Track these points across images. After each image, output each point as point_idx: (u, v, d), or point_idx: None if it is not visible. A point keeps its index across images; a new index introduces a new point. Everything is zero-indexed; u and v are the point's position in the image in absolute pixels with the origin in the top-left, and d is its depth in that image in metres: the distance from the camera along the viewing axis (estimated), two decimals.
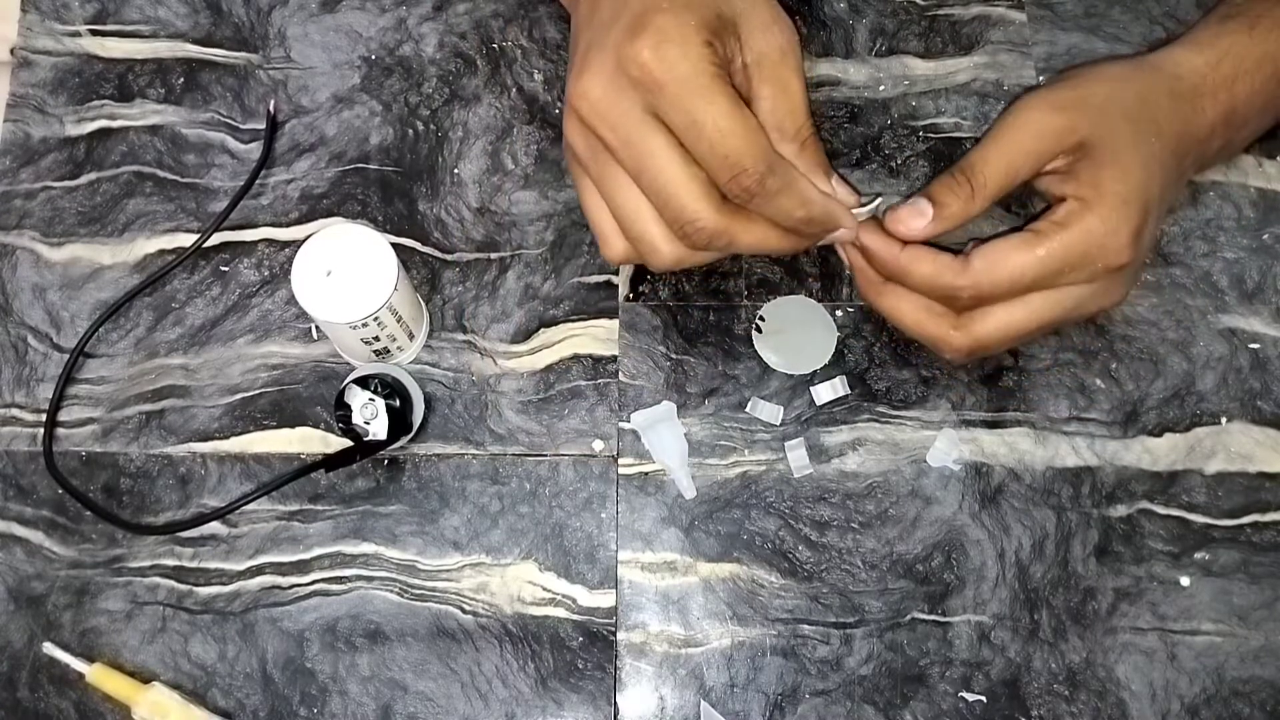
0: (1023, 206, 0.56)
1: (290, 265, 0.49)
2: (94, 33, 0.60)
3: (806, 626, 0.52)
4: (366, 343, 0.51)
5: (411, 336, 0.54)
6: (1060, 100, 0.49)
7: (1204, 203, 0.58)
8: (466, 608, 0.52)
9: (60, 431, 0.54)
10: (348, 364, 0.55)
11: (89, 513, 0.53)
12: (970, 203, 0.48)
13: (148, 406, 0.55)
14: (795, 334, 0.55)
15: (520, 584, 0.52)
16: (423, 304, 0.55)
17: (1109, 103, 0.49)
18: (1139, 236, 0.47)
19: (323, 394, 0.55)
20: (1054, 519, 0.53)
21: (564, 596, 0.52)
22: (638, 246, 0.46)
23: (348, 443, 0.50)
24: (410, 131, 0.59)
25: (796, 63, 0.45)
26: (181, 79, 0.59)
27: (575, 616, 0.52)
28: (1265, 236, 0.57)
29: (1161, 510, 0.53)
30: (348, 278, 0.49)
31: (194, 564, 0.53)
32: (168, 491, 0.54)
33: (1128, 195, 0.47)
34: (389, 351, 0.53)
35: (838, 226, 0.48)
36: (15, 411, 0.55)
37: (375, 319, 0.49)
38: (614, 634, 0.52)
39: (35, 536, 0.53)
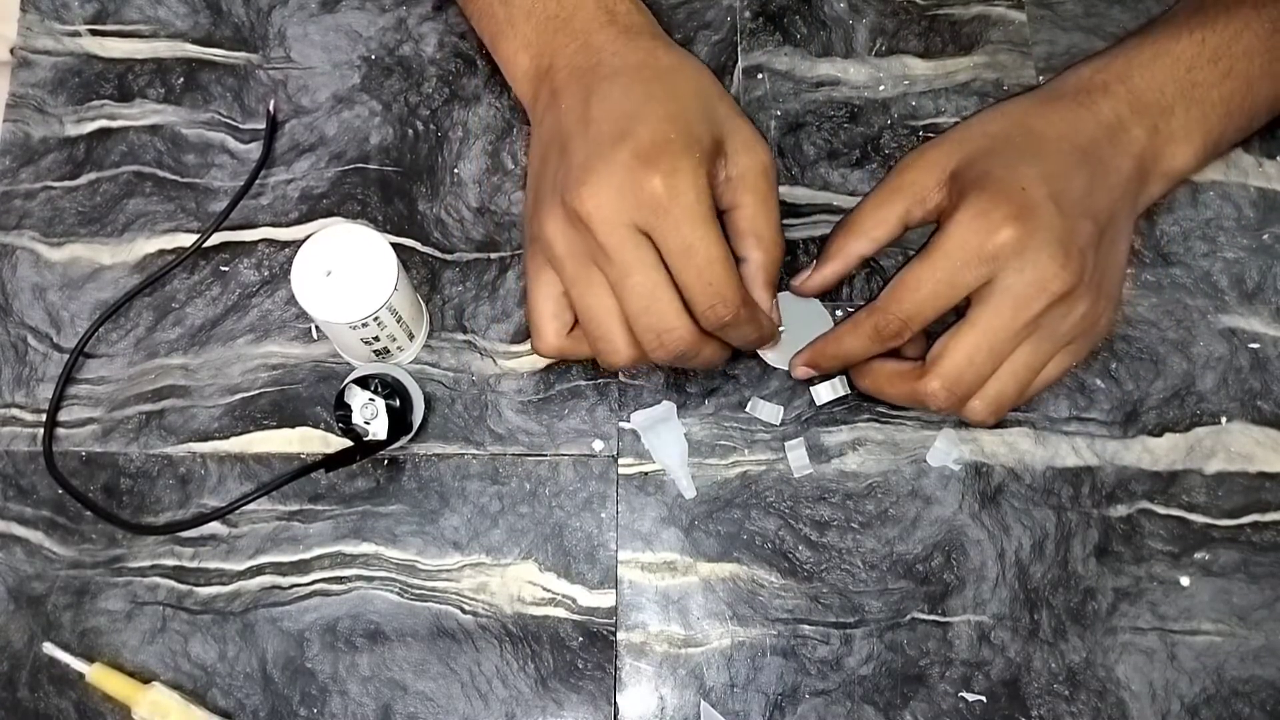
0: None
1: (290, 265, 0.49)
2: (94, 32, 0.60)
3: (806, 626, 0.52)
4: (366, 343, 0.51)
5: (411, 336, 0.54)
6: (930, 144, 0.52)
7: (1204, 203, 0.58)
8: (466, 608, 0.52)
9: (60, 431, 0.54)
10: (348, 364, 0.55)
11: (89, 513, 0.53)
12: (848, 245, 0.52)
13: (148, 406, 0.55)
14: (794, 332, 0.55)
15: (520, 584, 0.52)
16: (423, 304, 0.55)
17: (971, 132, 0.52)
18: (1019, 204, 0.47)
19: (323, 394, 0.55)
20: (1054, 519, 0.53)
21: (564, 596, 0.52)
22: (597, 345, 0.48)
23: (348, 443, 0.50)
24: (410, 131, 0.59)
25: (774, 178, 0.49)
26: (181, 79, 0.59)
27: (575, 616, 0.52)
28: (1265, 236, 0.57)
29: (1161, 510, 0.53)
30: (348, 278, 0.49)
31: (194, 564, 0.53)
32: (168, 491, 0.54)
33: (998, 188, 0.48)
34: (389, 351, 0.53)
35: (767, 342, 0.52)
36: (15, 411, 0.55)
37: (375, 319, 0.49)
38: (614, 634, 0.52)
39: (35, 536, 0.53)
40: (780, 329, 0.54)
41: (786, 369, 0.55)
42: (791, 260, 0.56)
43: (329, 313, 0.48)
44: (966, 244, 0.47)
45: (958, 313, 0.49)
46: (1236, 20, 0.52)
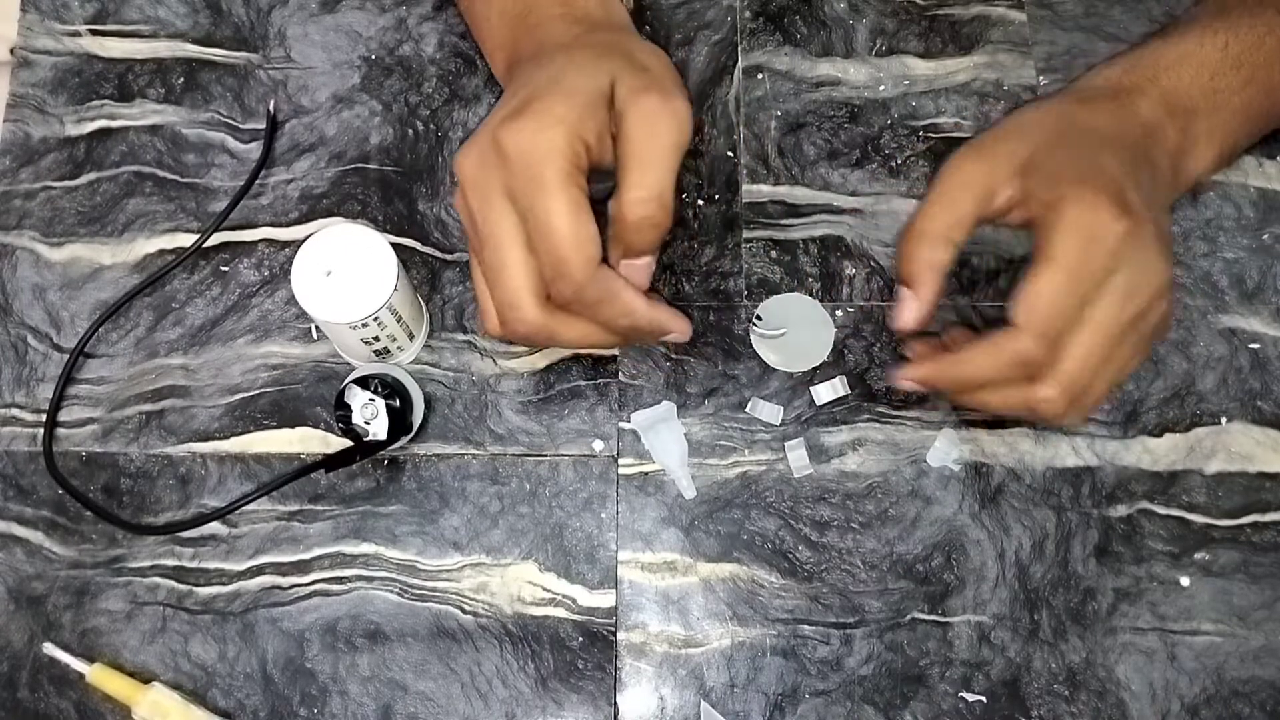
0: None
1: (290, 265, 0.49)
2: (94, 32, 0.60)
3: (806, 626, 0.52)
4: (367, 343, 0.51)
5: (412, 336, 0.54)
6: (983, 141, 0.49)
7: (1204, 203, 0.58)
8: (466, 608, 0.52)
9: (60, 432, 0.54)
10: (348, 364, 0.55)
11: (89, 513, 0.53)
12: (931, 257, 0.47)
13: (148, 406, 0.55)
14: (793, 331, 0.55)
15: (520, 584, 0.52)
16: (423, 304, 0.55)
17: (1025, 126, 0.50)
18: (1121, 200, 0.45)
19: (323, 394, 0.55)
20: (1054, 519, 0.53)
21: (564, 596, 0.52)
22: (480, 315, 0.47)
23: (348, 443, 0.50)
24: (410, 131, 0.59)
25: (662, 152, 0.44)
26: (181, 79, 0.59)
27: (575, 616, 0.52)
28: (1265, 236, 0.57)
29: (1161, 510, 0.53)
30: (348, 278, 0.49)
31: (194, 564, 0.53)
32: (168, 492, 0.54)
33: (1085, 175, 0.46)
34: (389, 351, 0.53)
35: (667, 332, 0.49)
36: (15, 411, 0.55)
37: (375, 319, 0.49)
38: (614, 634, 0.52)
39: (35, 537, 0.53)
40: (781, 330, 0.54)
41: (788, 370, 0.55)
42: (792, 260, 0.56)
43: (329, 313, 0.48)
44: (1089, 244, 0.44)
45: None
46: (1260, 25, 0.52)
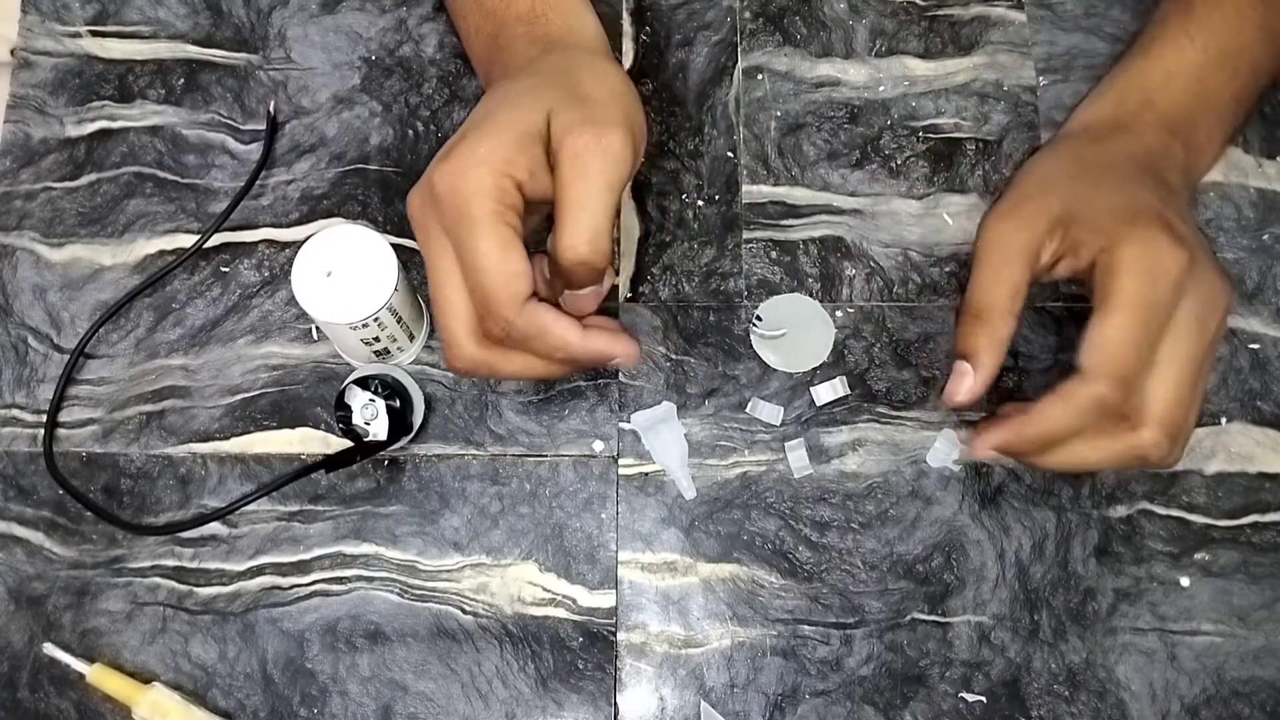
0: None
1: (290, 266, 0.49)
2: (94, 33, 0.60)
3: (806, 627, 0.52)
4: (367, 343, 0.51)
5: (412, 337, 0.54)
6: (1009, 202, 0.49)
7: (1204, 203, 0.57)
8: (467, 608, 0.52)
9: (60, 432, 0.54)
10: (348, 364, 0.55)
11: (89, 513, 0.53)
12: (995, 333, 0.47)
13: (148, 407, 0.55)
14: (792, 331, 0.55)
15: (520, 584, 0.53)
16: (423, 305, 0.55)
17: (1046, 176, 0.50)
18: (1171, 230, 0.45)
19: (323, 394, 0.55)
20: (1054, 519, 0.53)
21: (564, 597, 0.52)
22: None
23: (348, 443, 0.50)
24: (410, 132, 0.59)
25: (593, 193, 0.43)
26: (181, 80, 0.59)
27: (575, 617, 0.52)
28: (1265, 236, 0.57)
29: (1161, 510, 0.53)
30: (348, 278, 0.49)
31: (194, 564, 0.53)
32: (168, 492, 0.54)
33: (1130, 213, 0.46)
34: (389, 352, 0.53)
35: (610, 358, 0.47)
36: (15, 412, 0.55)
37: (376, 320, 0.49)
38: (614, 634, 0.52)
39: (35, 537, 0.53)
40: (782, 331, 0.54)
41: (788, 371, 0.55)
42: (792, 261, 0.56)
43: (329, 313, 0.48)
44: (1154, 282, 0.44)
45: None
46: (1230, 13, 0.52)
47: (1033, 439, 0.46)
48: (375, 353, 0.53)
